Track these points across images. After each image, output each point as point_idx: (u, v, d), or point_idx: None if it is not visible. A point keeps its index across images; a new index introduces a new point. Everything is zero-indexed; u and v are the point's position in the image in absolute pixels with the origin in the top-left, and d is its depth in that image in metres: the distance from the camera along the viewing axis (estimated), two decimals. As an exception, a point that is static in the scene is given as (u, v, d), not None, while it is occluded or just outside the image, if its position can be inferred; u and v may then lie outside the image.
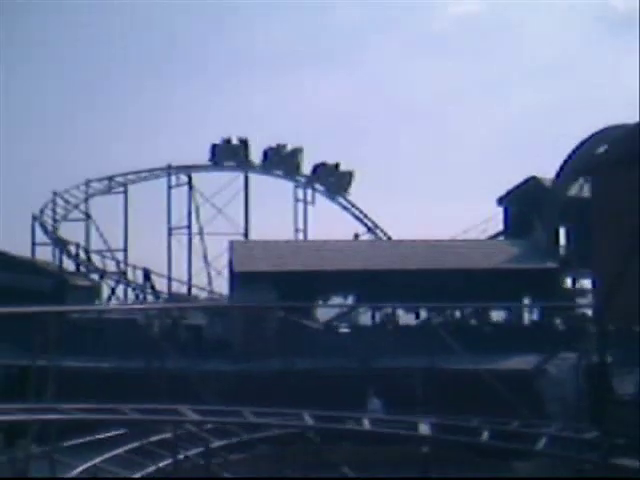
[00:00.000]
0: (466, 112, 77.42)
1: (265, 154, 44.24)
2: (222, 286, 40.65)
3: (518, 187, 40.36)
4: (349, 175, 44.29)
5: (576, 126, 72.00)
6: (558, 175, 40.04)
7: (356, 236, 42.14)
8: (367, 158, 77.34)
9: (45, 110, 74.51)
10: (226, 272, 36.74)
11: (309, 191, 44.81)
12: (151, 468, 13.87)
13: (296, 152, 44.08)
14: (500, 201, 41.36)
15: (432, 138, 75.66)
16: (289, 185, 45.06)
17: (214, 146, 44.48)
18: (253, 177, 44.51)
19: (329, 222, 49.43)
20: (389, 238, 43.21)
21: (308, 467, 15.01)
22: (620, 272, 14.22)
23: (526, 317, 34.63)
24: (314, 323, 30.47)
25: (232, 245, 33.26)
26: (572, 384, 23.97)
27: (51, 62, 76.03)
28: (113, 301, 39.61)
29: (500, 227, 41.87)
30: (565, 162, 40.26)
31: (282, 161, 44.15)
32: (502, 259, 33.56)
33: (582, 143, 39.06)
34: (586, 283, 39.71)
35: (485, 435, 13.72)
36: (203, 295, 41.60)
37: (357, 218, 44.76)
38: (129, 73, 76.71)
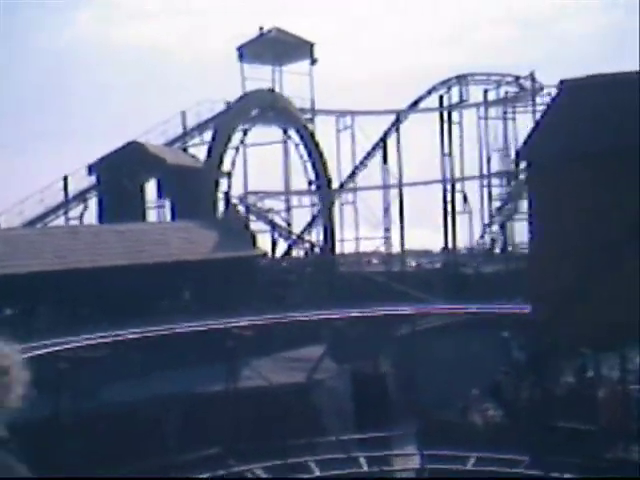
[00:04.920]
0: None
1: None
2: None
3: (115, 152, 34.07)
4: None
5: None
6: (209, 152, 36.74)
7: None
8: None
9: None
10: None
11: None
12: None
13: None
14: (91, 170, 34.60)
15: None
16: None
17: None
18: None
19: None
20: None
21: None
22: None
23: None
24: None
25: None
26: (344, 394, 21.41)
27: None
28: None
29: (60, 198, 35.93)
30: (213, 138, 37.21)
31: None
32: (208, 247, 29.74)
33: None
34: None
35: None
36: None
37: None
38: None
